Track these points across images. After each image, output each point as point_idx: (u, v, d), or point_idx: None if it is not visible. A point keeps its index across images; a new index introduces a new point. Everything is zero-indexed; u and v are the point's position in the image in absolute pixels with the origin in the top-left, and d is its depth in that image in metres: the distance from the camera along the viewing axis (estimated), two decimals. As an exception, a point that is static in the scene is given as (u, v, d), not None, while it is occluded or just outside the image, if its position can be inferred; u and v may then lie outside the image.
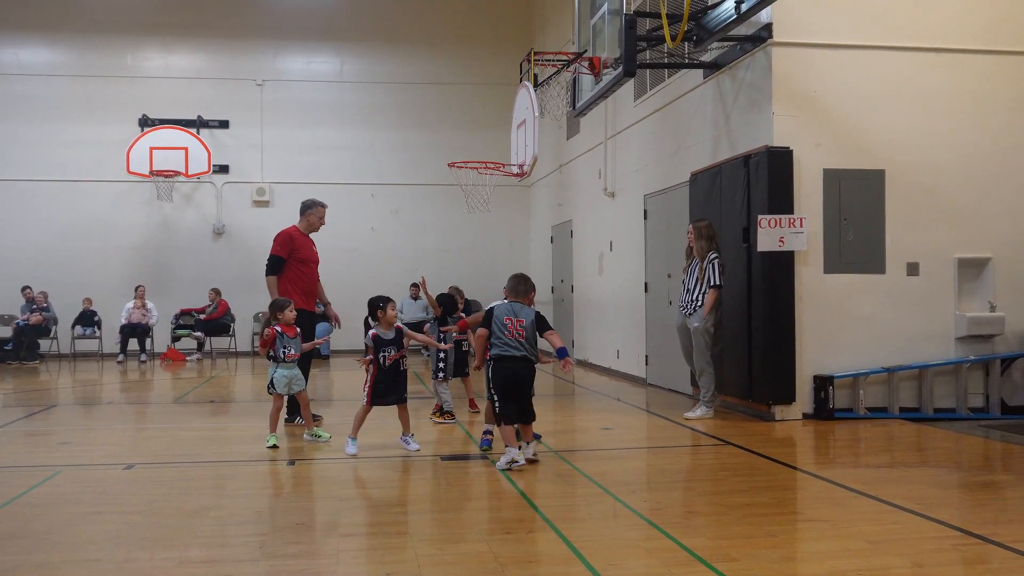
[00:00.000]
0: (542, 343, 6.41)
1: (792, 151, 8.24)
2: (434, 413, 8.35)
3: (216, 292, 16.77)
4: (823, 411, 8.21)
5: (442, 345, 8.04)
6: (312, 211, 8.50)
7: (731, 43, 8.88)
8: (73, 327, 16.49)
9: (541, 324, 6.32)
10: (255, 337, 17.37)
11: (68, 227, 17.09)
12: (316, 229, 8.57)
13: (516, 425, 6.33)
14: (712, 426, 8.04)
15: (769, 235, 8.05)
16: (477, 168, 13.26)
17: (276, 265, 8.18)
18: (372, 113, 18.07)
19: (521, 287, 6.44)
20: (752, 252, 8.34)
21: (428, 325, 9.66)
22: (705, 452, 7.07)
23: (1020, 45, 8.71)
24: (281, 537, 4.61)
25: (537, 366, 6.39)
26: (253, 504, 5.31)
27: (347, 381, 12.51)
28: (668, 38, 8.16)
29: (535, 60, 11.12)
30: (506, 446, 6.19)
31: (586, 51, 9.66)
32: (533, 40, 17.11)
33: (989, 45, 8.64)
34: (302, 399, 7.43)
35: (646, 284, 11.48)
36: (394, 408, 6.88)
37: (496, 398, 6.37)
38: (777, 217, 8.06)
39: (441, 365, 8.24)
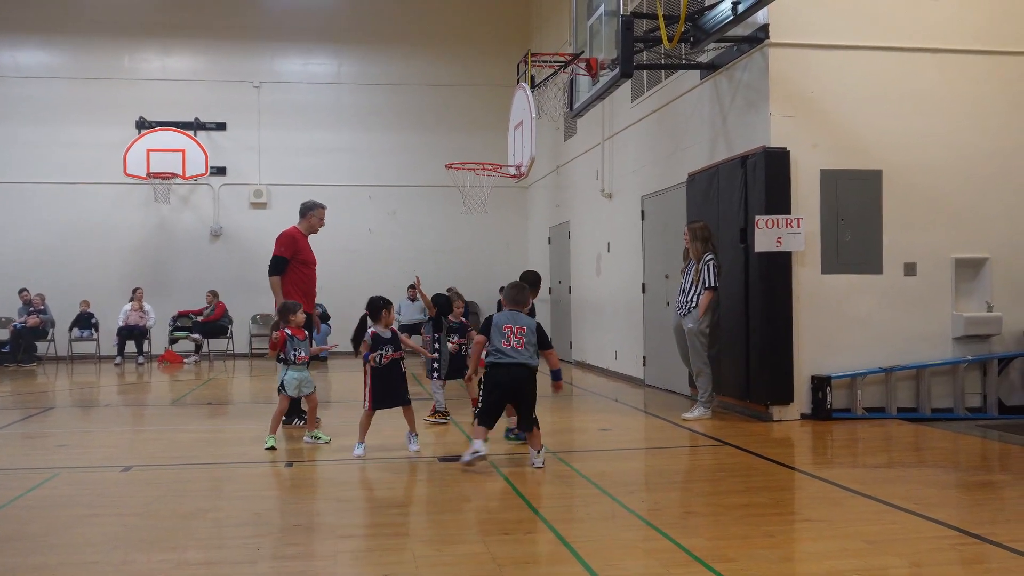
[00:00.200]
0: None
1: (789, 152, 8.25)
2: (432, 414, 8.37)
3: (213, 294, 16.75)
4: (821, 411, 8.21)
5: (429, 354, 8.17)
6: (313, 213, 8.51)
7: (728, 44, 8.89)
8: (70, 329, 16.47)
9: (541, 339, 6.33)
10: (253, 339, 17.40)
11: (65, 229, 17.06)
12: (316, 231, 8.60)
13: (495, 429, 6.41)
14: (710, 427, 8.04)
15: (766, 236, 8.05)
16: (474, 169, 13.26)
17: (280, 265, 8.19)
18: (369, 115, 18.07)
19: (520, 296, 6.43)
20: (749, 253, 8.35)
21: (424, 326, 9.69)
22: (703, 453, 7.07)
23: (1017, 46, 8.72)
24: (279, 539, 4.61)
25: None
26: (251, 506, 5.31)
27: (345, 383, 12.49)
28: (665, 39, 8.17)
29: (532, 61, 11.11)
30: (473, 439, 6.23)
31: (583, 52, 9.66)
32: (530, 41, 17.12)
33: (986, 46, 8.65)
34: (311, 401, 7.45)
35: (644, 285, 11.49)
36: (392, 410, 6.87)
37: (481, 399, 6.41)
38: (774, 218, 8.07)
39: (435, 366, 8.27)
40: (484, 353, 6.36)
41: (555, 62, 10.89)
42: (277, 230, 8.49)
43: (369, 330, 6.77)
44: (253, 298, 16.68)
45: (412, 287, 16.19)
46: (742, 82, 8.82)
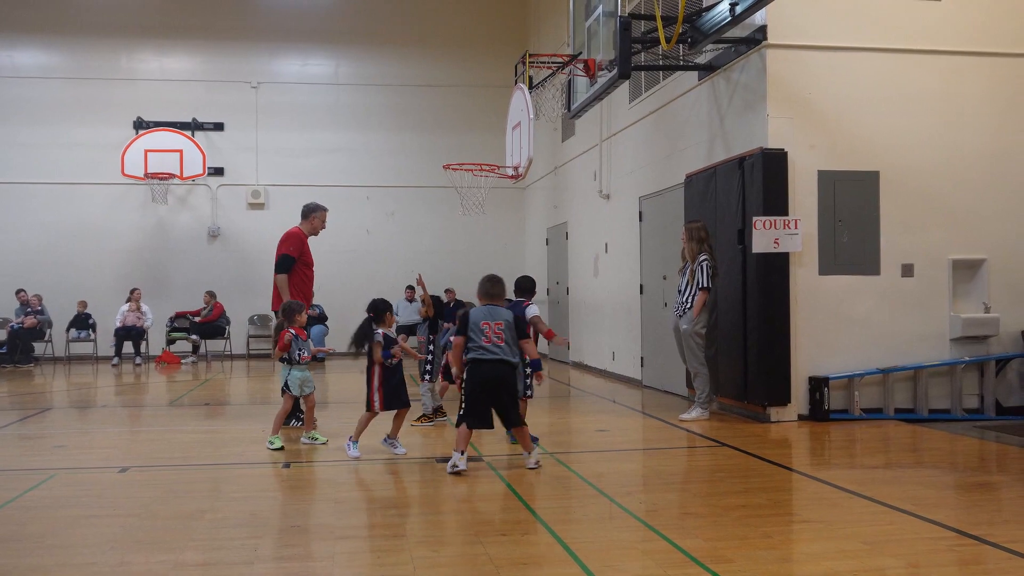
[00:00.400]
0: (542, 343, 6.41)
1: (787, 153, 8.26)
2: (418, 419, 8.32)
3: (211, 295, 16.74)
4: (818, 412, 8.21)
5: (420, 356, 8.20)
6: (315, 214, 8.53)
7: (726, 45, 8.89)
8: (68, 330, 16.44)
9: (519, 328, 6.24)
10: (250, 340, 17.38)
11: (62, 230, 17.04)
12: (318, 232, 8.62)
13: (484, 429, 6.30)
14: (707, 427, 8.05)
15: (764, 237, 8.06)
16: (472, 170, 13.26)
17: (288, 264, 8.19)
18: (367, 115, 18.06)
19: (495, 289, 6.33)
20: (747, 254, 8.35)
21: (419, 327, 9.70)
22: (701, 454, 7.08)
23: (1014, 47, 8.74)
24: (276, 540, 4.61)
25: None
26: (248, 507, 5.30)
27: (341, 384, 12.50)
28: (663, 40, 8.17)
29: (530, 62, 11.12)
30: (454, 449, 6.15)
31: (581, 53, 9.66)
32: (528, 42, 17.13)
33: (983, 47, 8.67)
34: (309, 401, 7.46)
35: (641, 286, 11.49)
36: (386, 412, 6.87)
37: (463, 398, 6.31)
38: (772, 219, 8.08)
39: (428, 368, 8.26)
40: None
41: (553, 63, 10.89)
42: (275, 231, 8.50)
43: (379, 331, 6.77)
44: (251, 299, 16.68)
45: (410, 287, 16.19)
46: (740, 83, 8.83)
